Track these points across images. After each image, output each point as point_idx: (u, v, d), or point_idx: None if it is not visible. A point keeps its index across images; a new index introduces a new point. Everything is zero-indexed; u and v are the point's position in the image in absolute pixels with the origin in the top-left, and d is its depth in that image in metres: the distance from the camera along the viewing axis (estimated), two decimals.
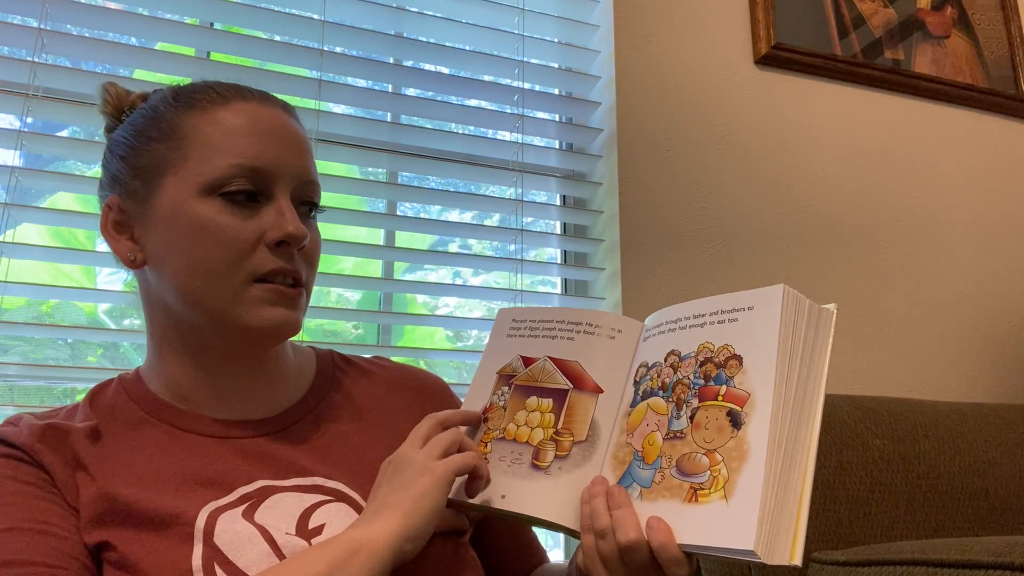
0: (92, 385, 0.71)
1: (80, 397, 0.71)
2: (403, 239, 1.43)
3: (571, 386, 0.66)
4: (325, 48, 1.32)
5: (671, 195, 1.45)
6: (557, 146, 1.52)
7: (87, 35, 1.24)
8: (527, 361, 0.69)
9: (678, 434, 0.58)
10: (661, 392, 0.61)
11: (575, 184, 1.48)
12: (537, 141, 1.48)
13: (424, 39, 1.41)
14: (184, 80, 1.27)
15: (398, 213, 1.40)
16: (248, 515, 0.61)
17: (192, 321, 0.66)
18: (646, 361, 0.65)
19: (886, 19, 1.69)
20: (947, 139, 1.71)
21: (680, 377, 0.61)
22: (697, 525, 0.53)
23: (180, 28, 1.25)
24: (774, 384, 0.55)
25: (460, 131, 1.43)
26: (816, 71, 1.60)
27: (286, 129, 0.68)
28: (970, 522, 1.11)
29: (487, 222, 1.53)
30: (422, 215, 1.46)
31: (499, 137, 1.46)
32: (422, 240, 1.56)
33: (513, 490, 0.63)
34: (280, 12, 1.31)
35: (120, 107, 0.73)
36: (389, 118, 1.41)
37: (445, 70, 1.45)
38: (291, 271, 0.65)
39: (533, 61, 1.48)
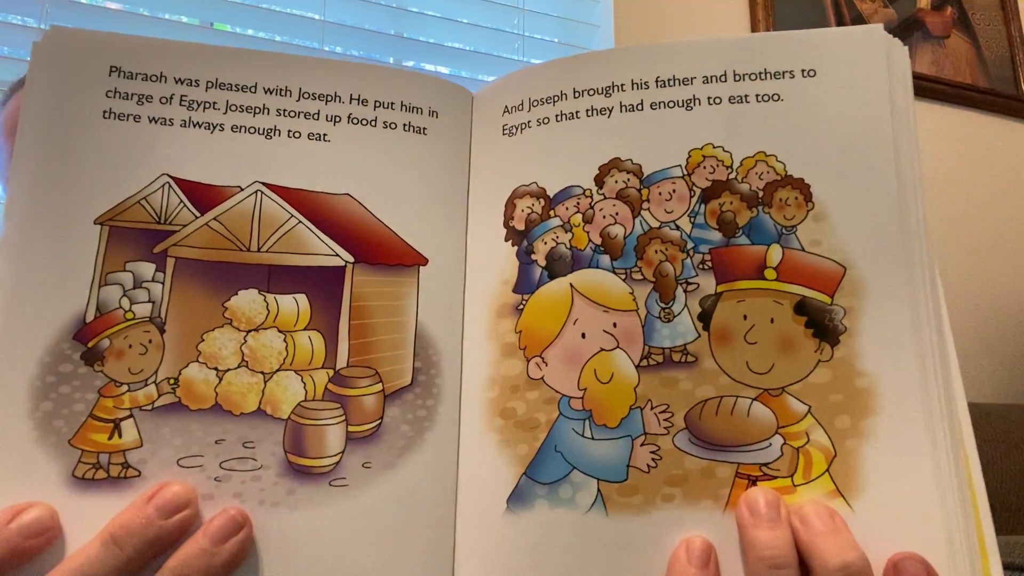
0: None
1: None
2: None
3: (351, 258, 0.29)
4: (325, 48, 1.32)
5: None
6: None
7: None
8: (202, 193, 0.28)
9: (678, 356, 0.28)
10: (606, 257, 0.29)
11: None
12: None
13: (424, 39, 1.41)
14: None
15: None
16: None
17: None
18: (538, 185, 0.30)
19: (886, 19, 1.68)
20: (947, 139, 1.71)
21: (657, 225, 0.29)
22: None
23: (180, 28, 1.25)
24: (903, 250, 0.27)
25: None
26: None
27: None
28: None
29: None
30: None
31: None
32: None
33: (267, 537, 0.28)
34: (280, 12, 1.31)
35: None
36: None
37: (445, 70, 1.45)
38: None
39: (533, 61, 1.48)
